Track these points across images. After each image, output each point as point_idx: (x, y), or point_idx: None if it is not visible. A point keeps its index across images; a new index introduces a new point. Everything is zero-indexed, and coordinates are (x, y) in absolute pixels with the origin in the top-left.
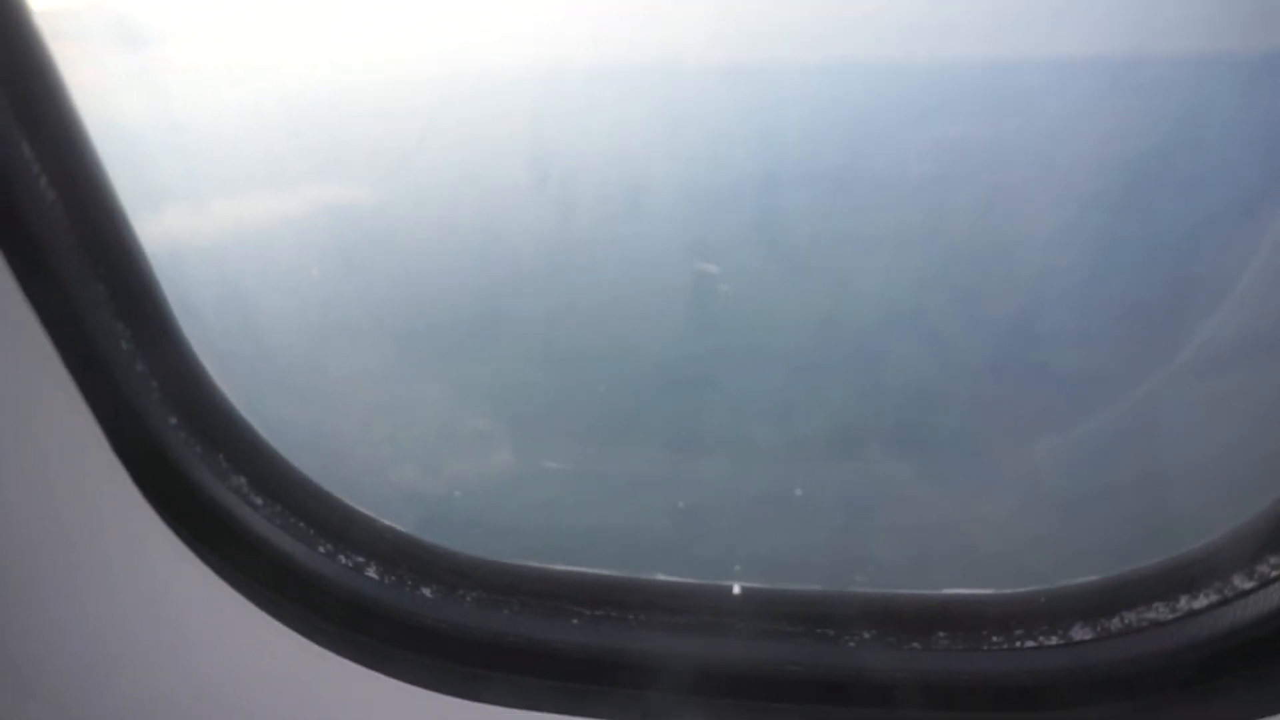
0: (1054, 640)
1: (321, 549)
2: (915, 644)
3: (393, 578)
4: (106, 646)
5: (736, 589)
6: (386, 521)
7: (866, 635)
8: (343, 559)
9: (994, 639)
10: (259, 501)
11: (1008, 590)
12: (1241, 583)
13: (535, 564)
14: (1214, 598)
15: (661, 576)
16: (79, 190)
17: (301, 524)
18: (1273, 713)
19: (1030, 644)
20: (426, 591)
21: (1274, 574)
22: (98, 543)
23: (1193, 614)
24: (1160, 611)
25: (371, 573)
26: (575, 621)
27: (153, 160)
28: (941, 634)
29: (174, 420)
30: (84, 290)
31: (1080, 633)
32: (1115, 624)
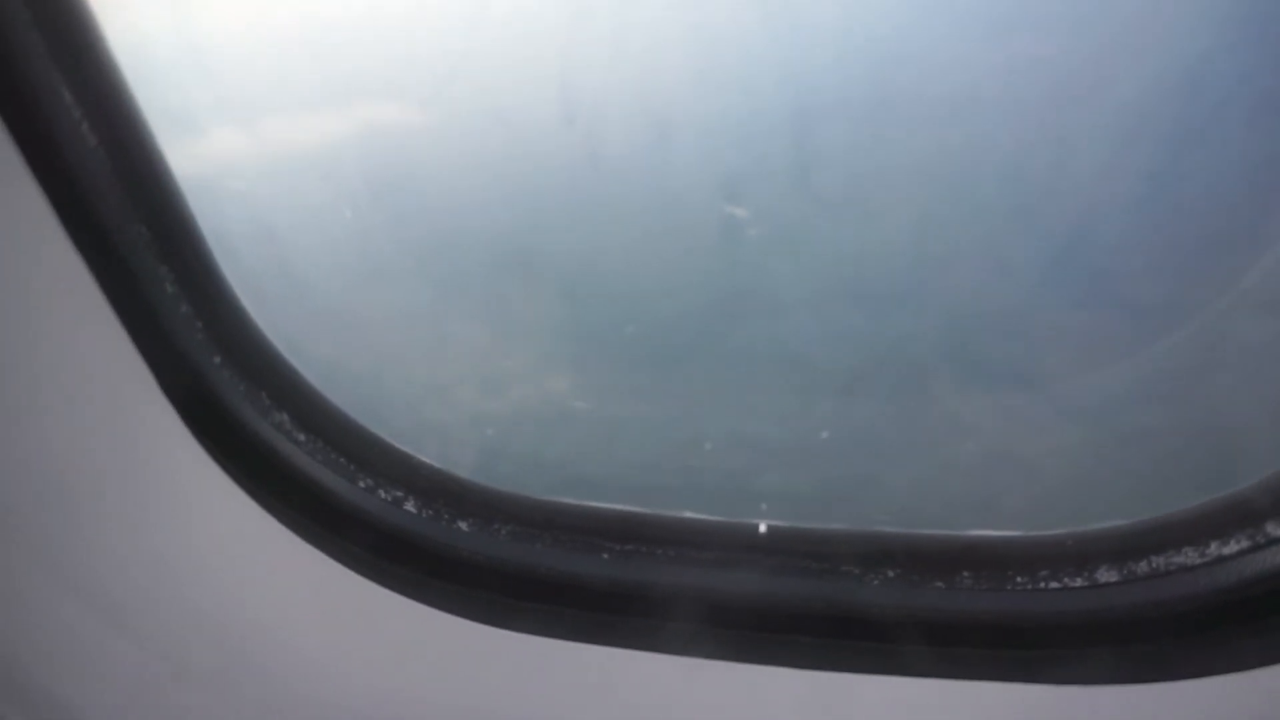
0: (1079, 582)
1: (362, 484)
2: (939, 583)
3: (430, 511)
4: (157, 579)
5: (762, 527)
6: (424, 458)
7: (891, 574)
8: (382, 493)
9: (1018, 579)
10: (301, 438)
11: (1035, 532)
12: (1275, 529)
13: (567, 500)
14: (1245, 543)
15: (689, 514)
16: (119, 135)
17: (342, 459)
18: None
19: (1054, 585)
20: (462, 525)
21: None
22: (148, 479)
23: (1222, 559)
24: (1189, 556)
25: (410, 506)
26: (605, 555)
27: (179, 85)
28: (966, 574)
29: (218, 359)
30: (128, 234)
31: (1106, 575)
32: (1142, 567)
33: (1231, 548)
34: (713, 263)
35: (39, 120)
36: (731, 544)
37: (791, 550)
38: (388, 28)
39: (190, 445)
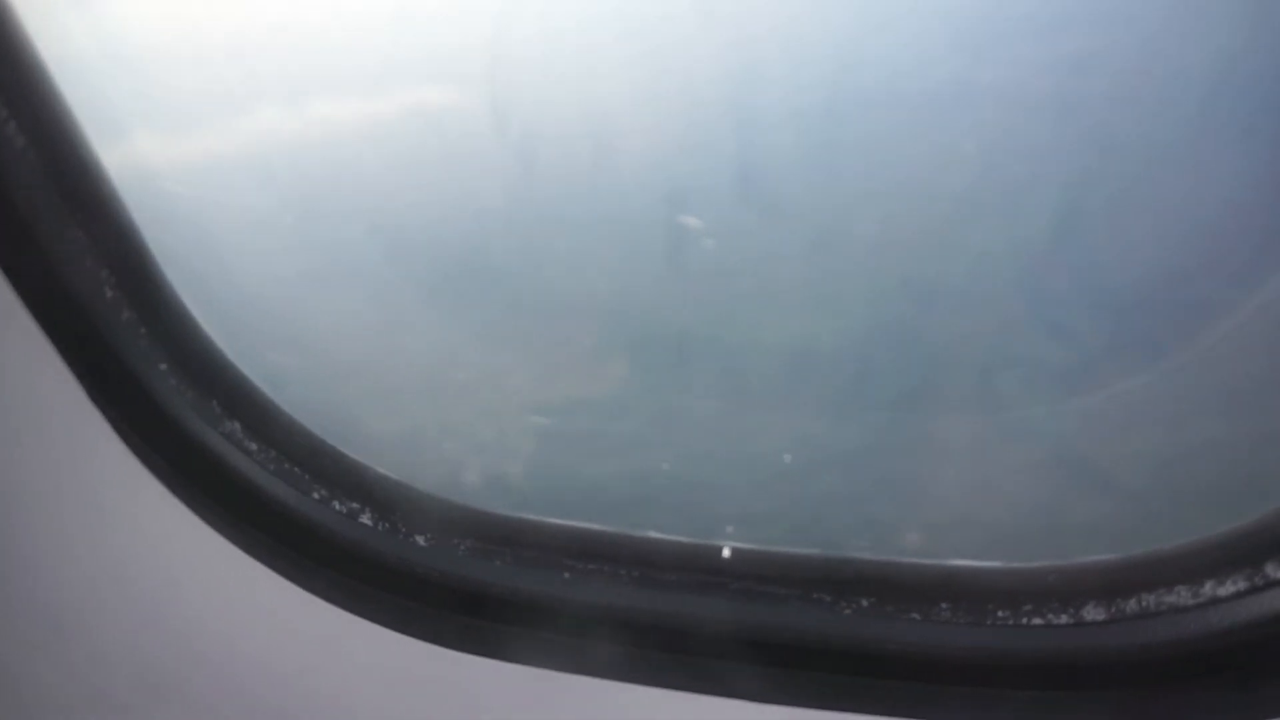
0: (1064, 619)
1: (315, 495)
2: (915, 614)
3: (387, 525)
4: (96, 596)
5: (726, 550)
6: (380, 469)
7: (864, 603)
8: (336, 505)
9: (999, 614)
10: (253, 447)
11: (1017, 564)
12: (1274, 571)
13: (528, 516)
14: (1241, 585)
15: (654, 534)
16: (49, 136)
17: (296, 469)
18: None
19: (1038, 621)
20: (419, 539)
21: None
22: (81, 491)
23: (1216, 601)
24: (1181, 595)
25: (365, 519)
26: (566, 575)
27: (111, 87)
28: (944, 605)
29: (164, 366)
30: (62, 238)
31: (1093, 613)
32: (1131, 606)
33: (1228, 589)
34: (667, 274)
35: None
36: (697, 566)
37: (759, 575)
38: (325, 27)
39: (128, 455)
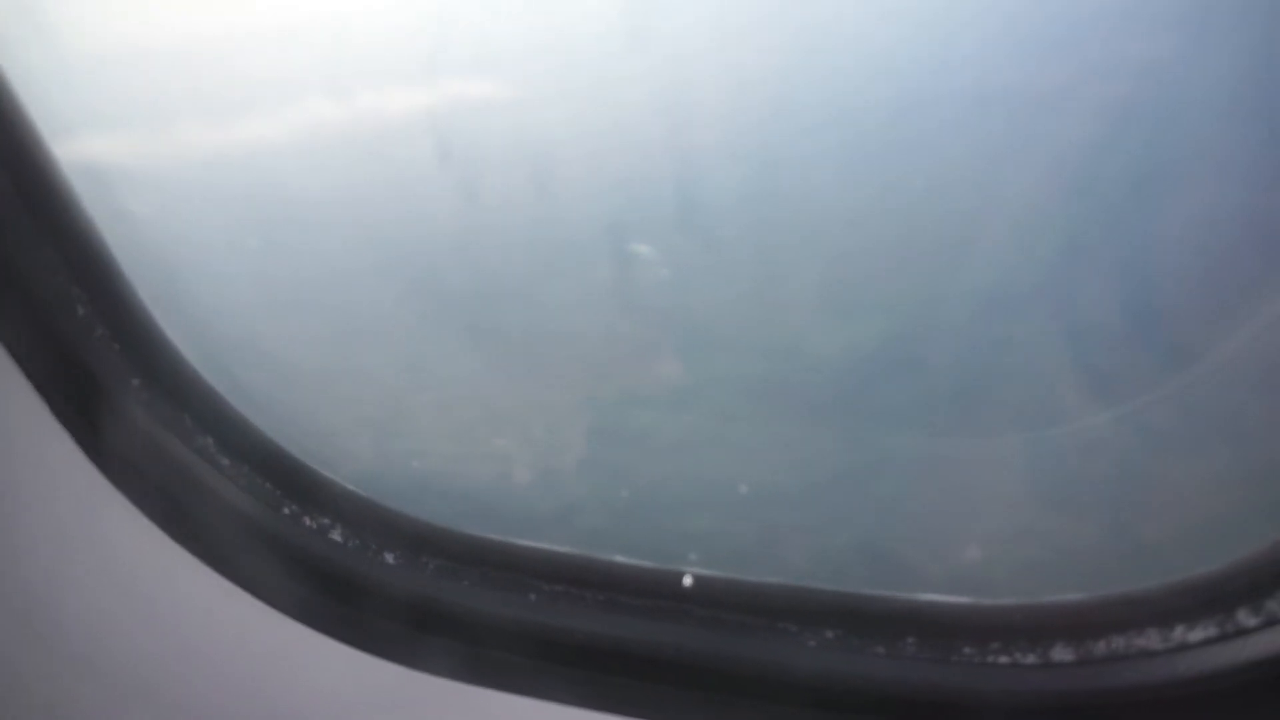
0: (1031, 659)
1: (286, 510)
2: (880, 648)
3: (356, 542)
4: (64, 612)
5: (688, 578)
6: (350, 486)
7: (829, 634)
8: (307, 520)
9: (966, 650)
10: (225, 463)
11: (985, 601)
12: (1245, 619)
13: (497, 536)
14: (1212, 631)
15: (620, 558)
16: (17, 156)
17: (267, 485)
18: None
19: (1004, 659)
20: (389, 557)
21: None
22: (48, 510)
23: (1186, 646)
24: (1151, 639)
25: (335, 536)
26: (533, 596)
27: (67, 102)
28: (910, 640)
29: (136, 382)
30: (34, 257)
31: (1061, 653)
32: (1100, 647)
33: (1198, 634)
34: (619, 299)
35: None
36: (663, 592)
37: (724, 603)
38: (277, 39)
39: (89, 472)
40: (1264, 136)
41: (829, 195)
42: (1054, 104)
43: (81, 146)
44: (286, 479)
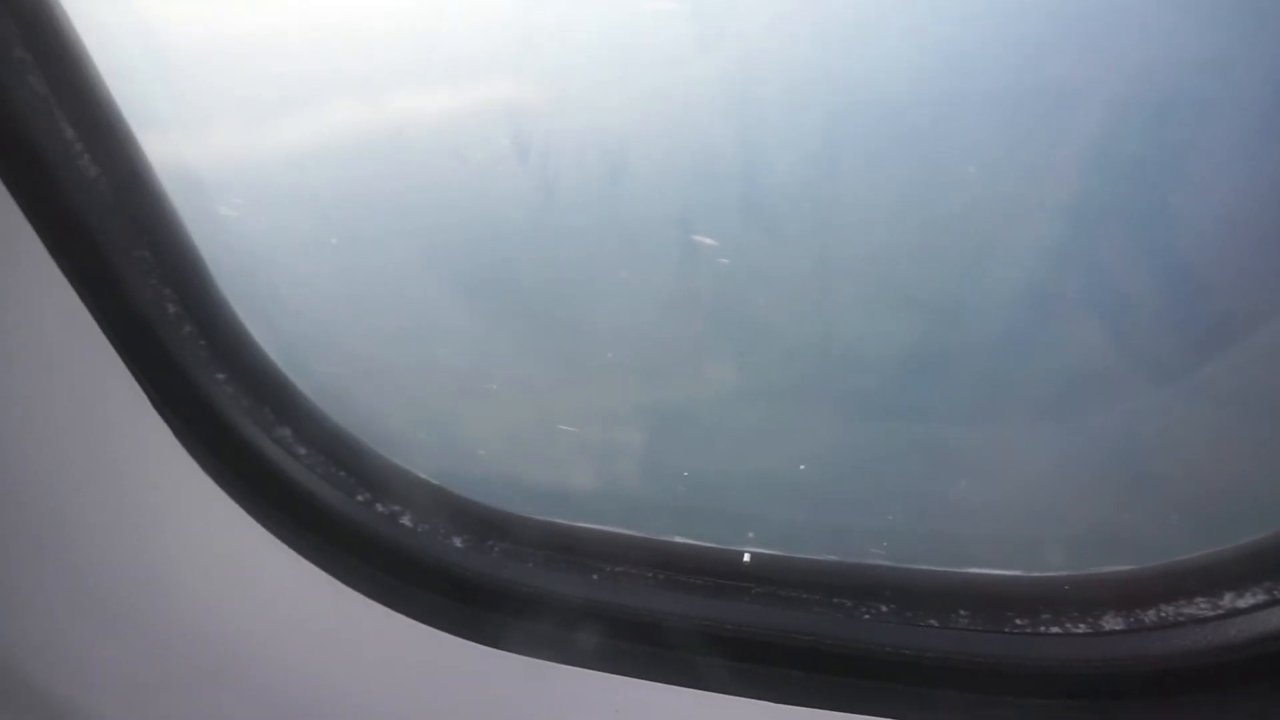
0: (1082, 628)
1: (359, 497)
2: (933, 621)
3: (425, 526)
4: (150, 588)
5: (748, 556)
6: (420, 474)
7: (884, 608)
8: (379, 507)
9: (1017, 622)
10: (302, 452)
11: (1035, 573)
12: None
13: (560, 520)
14: (1261, 598)
15: (679, 539)
16: (118, 167)
17: (342, 473)
18: None
19: (1055, 630)
20: (456, 541)
21: None
22: (144, 492)
23: (1236, 613)
24: (1201, 607)
25: (406, 521)
26: (595, 576)
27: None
28: (962, 612)
29: (221, 376)
30: (131, 259)
31: (1111, 622)
32: (1150, 616)
33: (1247, 601)
34: (685, 289)
35: (38, 160)
36: (722, 570)
37: (782, 580)
38: (359, 37)
39: (189, 462)
40: None
41: (879, 192)
42: (1100, 101)
43: (173, 145)
44: (360, 467)
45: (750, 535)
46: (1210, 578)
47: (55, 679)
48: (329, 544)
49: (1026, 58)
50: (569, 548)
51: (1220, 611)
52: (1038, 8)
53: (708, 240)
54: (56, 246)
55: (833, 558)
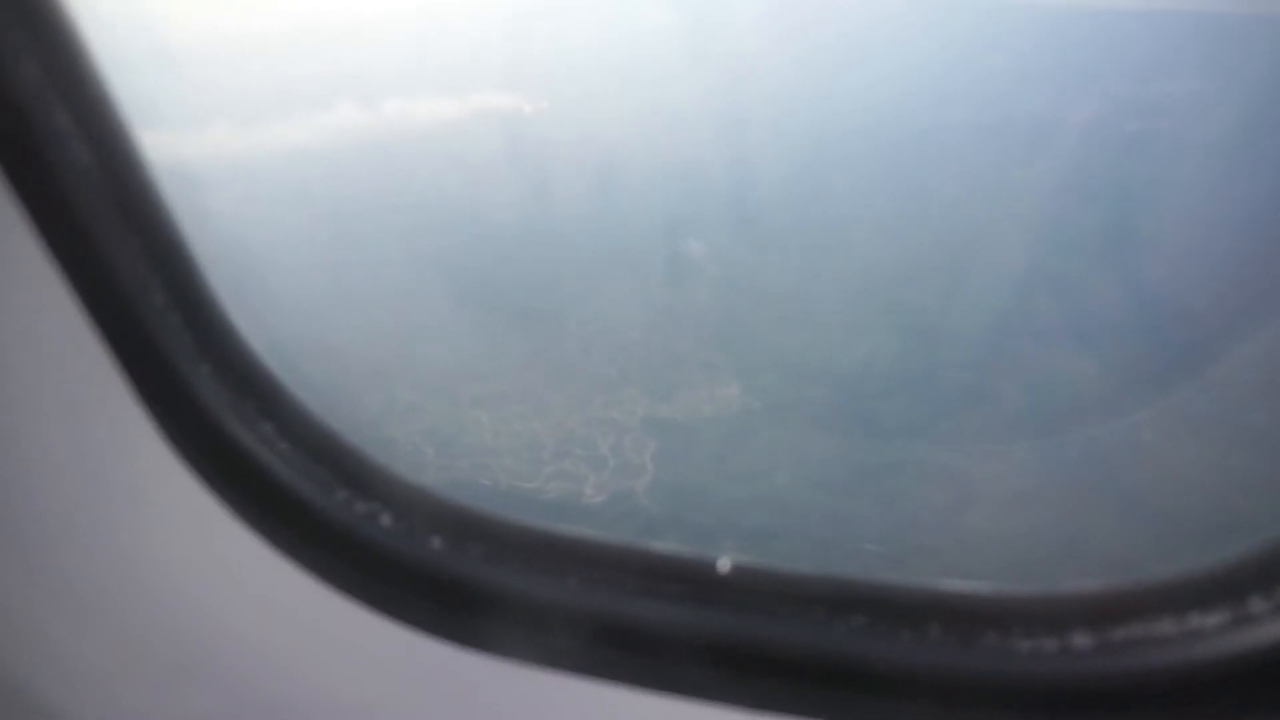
0: (1052, 645)
1: (339, 495)
2: (906, 634)
3: (404, 526)
4: (126, 580)
5: (725, 564)
6: (401, 473)
7: (857, 621)
8: (358, 505)
9: (989, 637)
10: (283, 447)
11: (1006, 588)
12: (1257, 605)
13: (539, 523)
14: (1225, 618)
15: (657, 545)
16: (111, 154)
17: (322, 470)
18: None
19: (1026, 645)
20: (435, 541)
21: None
22: (123, 484)
23: (1201, 633)
24: (1167, 626)
25: (385, 520)
26: (573, 581)
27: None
28: (935, 626)
29: (206, 369)
30: (118, 246)
31: (1080, 640)
32: (1118, 634)
33: (1212, 621)
34: (672, 298)
35: (31, 145)
36: (699, 578)
37: (758, 589)
38: (357, 40)
39: (163, 451)
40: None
41: (862, 209)
42: (1078, 133)
43: (167, 139)
44: (341, 465)
45: (727, 544)
46: (1178, 596)
47: (28, 673)
48: (307, 541)
49: (1005, 89)
50: (547, 551)
51: (1186, 631)
52: (1017, 43)
53: (696, 248)
54: (44, 230)
55: (809, 568)
